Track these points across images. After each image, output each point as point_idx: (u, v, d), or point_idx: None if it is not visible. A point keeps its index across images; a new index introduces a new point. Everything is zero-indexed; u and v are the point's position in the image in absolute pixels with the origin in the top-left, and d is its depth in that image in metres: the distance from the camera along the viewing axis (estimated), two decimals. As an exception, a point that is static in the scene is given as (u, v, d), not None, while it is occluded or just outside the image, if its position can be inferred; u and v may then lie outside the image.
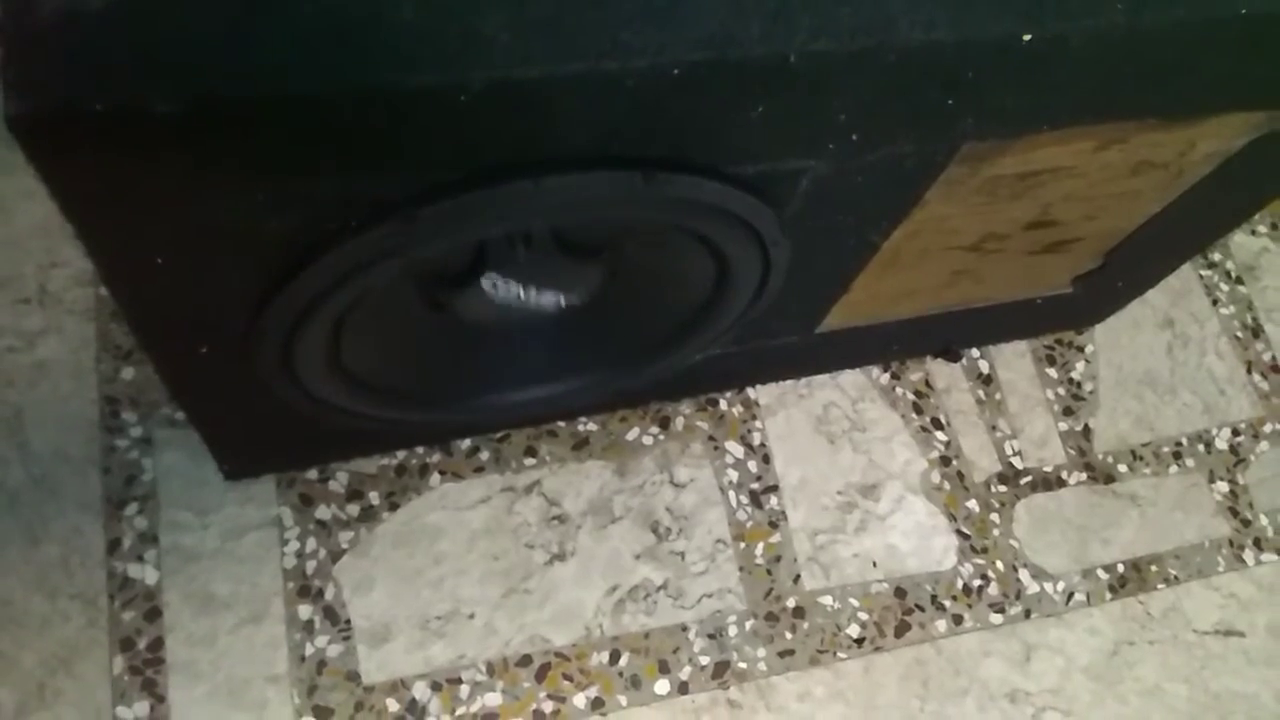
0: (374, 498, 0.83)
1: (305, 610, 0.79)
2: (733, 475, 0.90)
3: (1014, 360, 1.00)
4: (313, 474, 0.82)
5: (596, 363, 0.77)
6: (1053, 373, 1.01)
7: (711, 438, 0.91)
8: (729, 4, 0.47)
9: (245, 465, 0.80)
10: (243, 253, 0.49)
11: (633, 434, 0.90)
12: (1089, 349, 1.03)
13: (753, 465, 0.90)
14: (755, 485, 0.90)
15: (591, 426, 0.89)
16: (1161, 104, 0.62)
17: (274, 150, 0.43)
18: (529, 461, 0.87)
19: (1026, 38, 0.50)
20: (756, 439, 0.92)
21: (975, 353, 0.99)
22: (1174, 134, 0.66)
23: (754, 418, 0.92)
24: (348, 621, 0.79)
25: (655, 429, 0.90)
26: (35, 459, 0.79)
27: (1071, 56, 0.53)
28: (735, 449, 0.91)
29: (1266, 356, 1.07)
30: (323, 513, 0.82)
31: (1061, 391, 1.00)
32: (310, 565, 0.80)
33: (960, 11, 0.51)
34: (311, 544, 0.81)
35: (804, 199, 0.61)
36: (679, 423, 0.91)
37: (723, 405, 0.92)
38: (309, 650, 0.78)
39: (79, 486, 0.79)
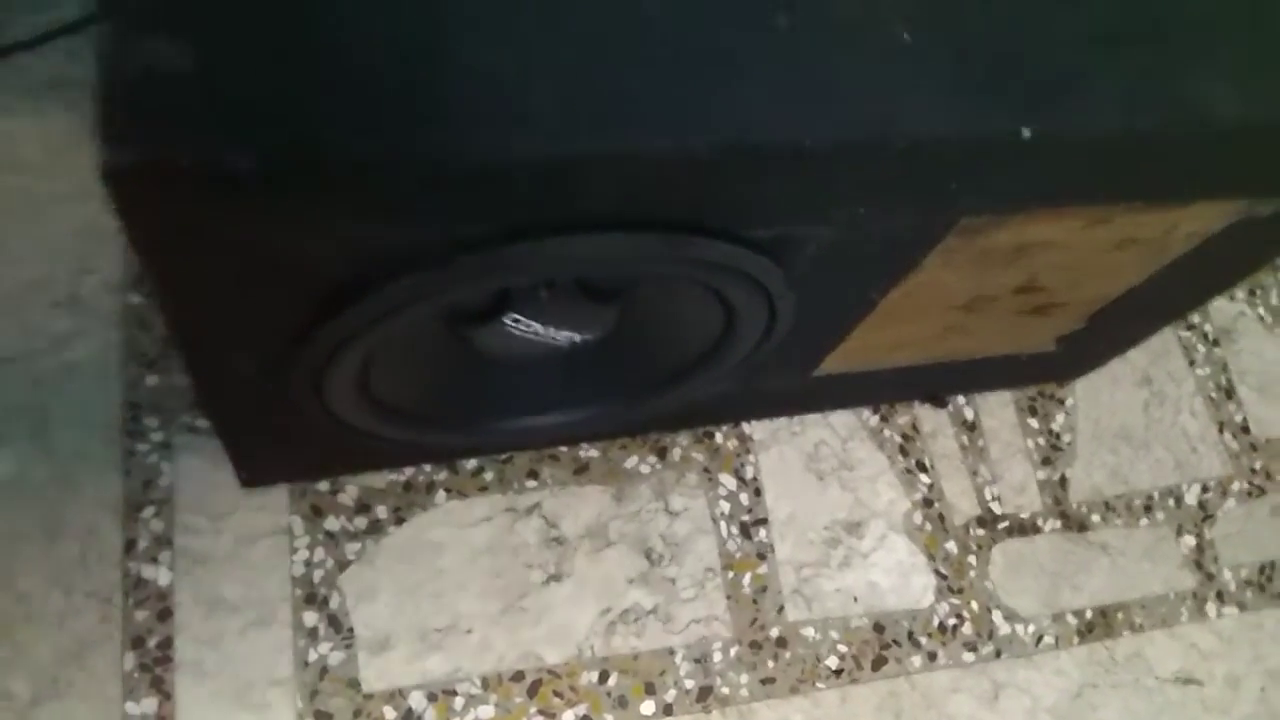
0: (381, 512, 0.86)
1: (311, 617, 0.82)
2: (725, 507, 0.94)
3: (997, 409, 1.05)
4: (324, 486, 0.86)
5: (604, 394, 0.81)
6: (1034, 423, 1.05)
7: (706, 469, 0.95)
8: (753, 91, 0.52)
9: (261, 475, 0.83)
10: (292, 291, 0.53)
11: (631, 462, 0.94)
12: (1069, 402, 1.07)
13: (744, 498, 0.94)
14: (746, 517, 0.94)
15: (592, 453, 0.93)
16: (1148, 191, 0.66)
17: (332, 204, 0.47)
18: (531, 484, 0.91)
19: (1026, 135, 0.54)
20: (749, 473, 0.96)
21: (961, 400, 1.04)
22: (1158, 216, 0.71)
23: (748, 452, 0.96)
24: (350, 630, 0.82)
25: (653, 458, 0.94)
26: (59, 458, 0.82)
27: (1067, 150, 0.58)
28: (729, 481, 0.95)
29: (1238, 417, 1.12)
30: (332, 524, 0.85)
31: (1041, 441, 1.05)
32: (317, 574, 0.83)
33: (964, 104, 0.55)
34: (320, 553, 0.84)
35: (810, 260, 0.65)
36: (676, 453, 0.95)
37: (718, 438, 0.96)
38: (312, 656, 0.81)
39: (99, 487, 0.82)
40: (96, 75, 0.43)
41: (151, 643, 0.79)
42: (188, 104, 0.43)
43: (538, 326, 0.69)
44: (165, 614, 0.80)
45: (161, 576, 0.81)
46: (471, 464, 0.90)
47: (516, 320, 0.68)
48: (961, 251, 0.70)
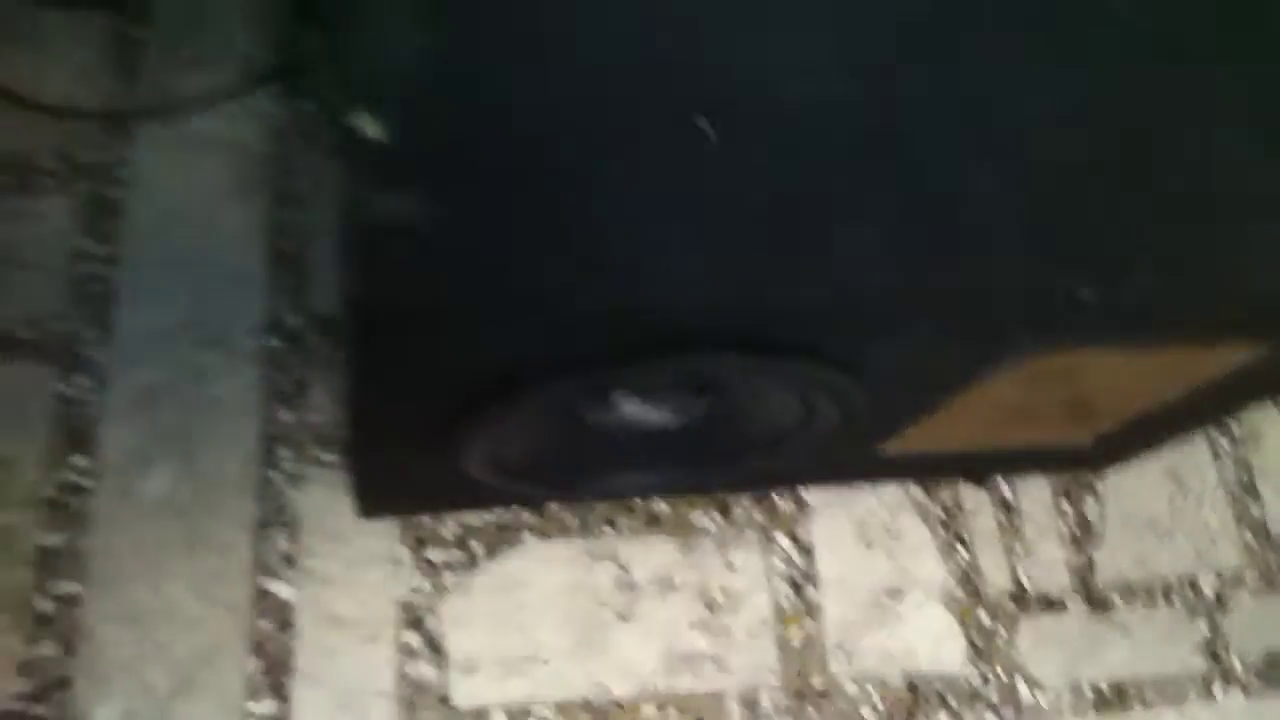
0: (477, 547, 0.97)
1: (412, 638, 0.93)
2: (779, 565, 1.04)
3: (1034, 491, 1.14)
4: (429, 521, 0.96)
5: (686, 462, 0.91)
6: (1067, 507, 1.14)
7: (765, 529, 1.05)
8: (855, 248, 0.62)
9: (377, 508, 0.94)
10: (455, 389, 0.64)
11: (697, 517, 1.04)
12: (1101, 490, 1.16)
13: (797, 558, 1.04)
14: (798, 576, 1.04)
15: (663, 507, 1.03)
16: (1189, 335, 0.76)
17: (522, 339, 0.58)
18: (607, 531, 1.01)
19: (1087, 297, 0.64)
20: (803, 535, 1.05)
21: (1001, 481, 1.13)
22: (1196, 352, 0.80)
23: (803, 515, 1.06)
24: (445, 652, 0.93)
25: (717, 515, 1.04)
26: (202, 480, 0.93)
27: (1119, 307, 0.67)
28: (784, 541, 1.05)
29: (1257, 513, 1.20)
30: (434, 555, 0.96)
31: (1073, 525, 1.14)
32: (419, 599, 0.94)
33: (1030, 262, 0.65)
34: (422, 581, 0.95)
35: (886, 375, 0.75)
36: (738, 513, 1.05)
37: (777, 501, 1.06)
38: (411, 672, 0.92)
39: (235, 508, 0.93)
40: (345, 217, 0.54)
41: (273, 650, 0.90)
42: (420, 254, 0.53)
43: (641, 409, 0.80)
44: (286, 625, 0.91)
45: (285, 592, 0.91)
46: (556, 509, 1.01)
47: (624, 402, 0.78)
48: (1016, 372, 0.79)
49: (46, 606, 0.87)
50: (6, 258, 0.97)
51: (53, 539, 0.88)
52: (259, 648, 0.90)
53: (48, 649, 0.86)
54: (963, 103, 0.67)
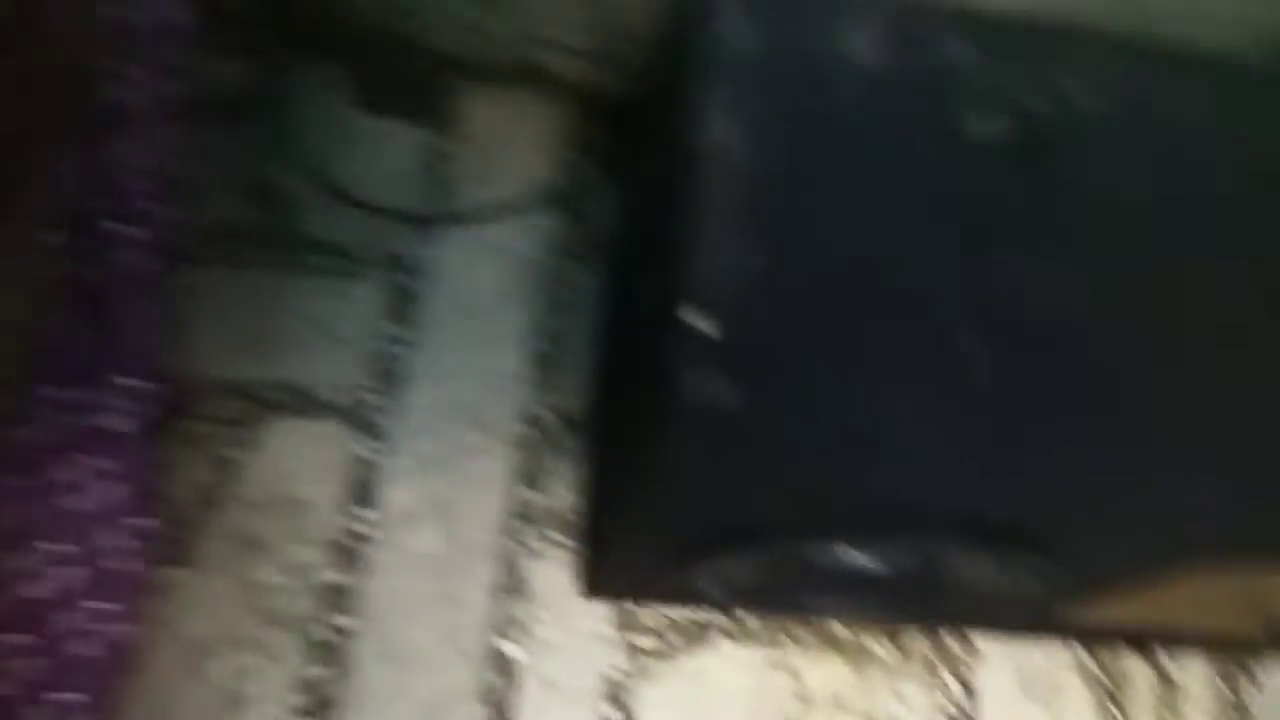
0: (674, 639, 1.09)
1: (610, 711, 1.06)
2: (942, 700, 1.12)
3: (1194, 668, 1.19)
4: (638, 609, 1.09)
5: (880, 599, 1.02)
6: (1224, 687, 1.19)
7: (932, 665, 1.14)
8: (1075, 461, 0.72)
9: (598, 590, 1.07)
10: (707, 530, 0.77)
11: (870, 643, 1.14)
12: (1260, 676, 1.20)
13: (960, 697, 1.13)
14: (958, 714, 1.12)
15: (839, 627, 1.14)
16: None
17: (777, 502, 0.70)
18: (788, 643, 1.12)
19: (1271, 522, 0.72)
20: (967, 675, 1.14)
21: (1163, 652, 1.19)
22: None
23: (970, 656, 1.15)
24: (637, 728, 1.06)
25: (889, 644, 1.14)
26: (456, 544, 1.09)
27: None
28: (949, 679, 1.13)
29: None
30: (637, 640, 1.09)
31: (1229, 706, 1.18)
32: (620, 677, 1.07)
33: (1227, 488, 0.74)
34: (624, 661, 1.08)
35: (1083, 563, 0.84)
36: (908, 644, 1.14)
37: (946, 639, 1.15)
38: (607, 742, 1.05)
39: (480, 572, 1.08)
40: (658, 385, 0.67)
41: (498, 702, 1.04)
42: (713, 427, 0.67)
43: (859, 557, 0.91)
44: (510, 681, 1.05)
45: (512, 651, 1.06)
46: (745, 616, 1.12)
47: (845, 552, 0.90)
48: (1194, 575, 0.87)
49: (324, 634, 1.03)
50: (322, 330, 1.15)
51: (335, 576, 1.05)
52: (487, 697, 1.04)
53: (320, 671, 1.02)
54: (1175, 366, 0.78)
